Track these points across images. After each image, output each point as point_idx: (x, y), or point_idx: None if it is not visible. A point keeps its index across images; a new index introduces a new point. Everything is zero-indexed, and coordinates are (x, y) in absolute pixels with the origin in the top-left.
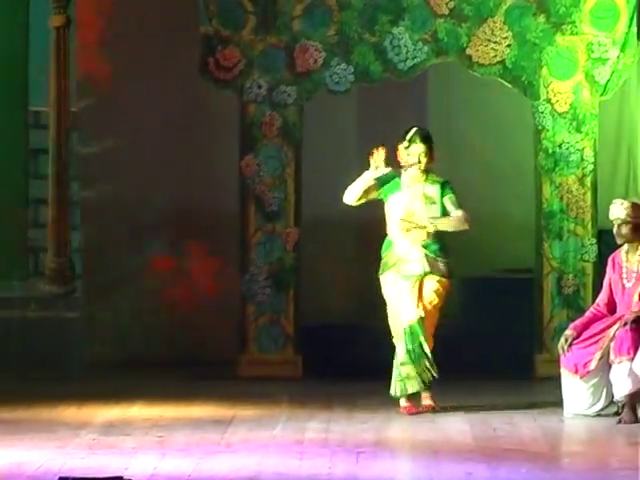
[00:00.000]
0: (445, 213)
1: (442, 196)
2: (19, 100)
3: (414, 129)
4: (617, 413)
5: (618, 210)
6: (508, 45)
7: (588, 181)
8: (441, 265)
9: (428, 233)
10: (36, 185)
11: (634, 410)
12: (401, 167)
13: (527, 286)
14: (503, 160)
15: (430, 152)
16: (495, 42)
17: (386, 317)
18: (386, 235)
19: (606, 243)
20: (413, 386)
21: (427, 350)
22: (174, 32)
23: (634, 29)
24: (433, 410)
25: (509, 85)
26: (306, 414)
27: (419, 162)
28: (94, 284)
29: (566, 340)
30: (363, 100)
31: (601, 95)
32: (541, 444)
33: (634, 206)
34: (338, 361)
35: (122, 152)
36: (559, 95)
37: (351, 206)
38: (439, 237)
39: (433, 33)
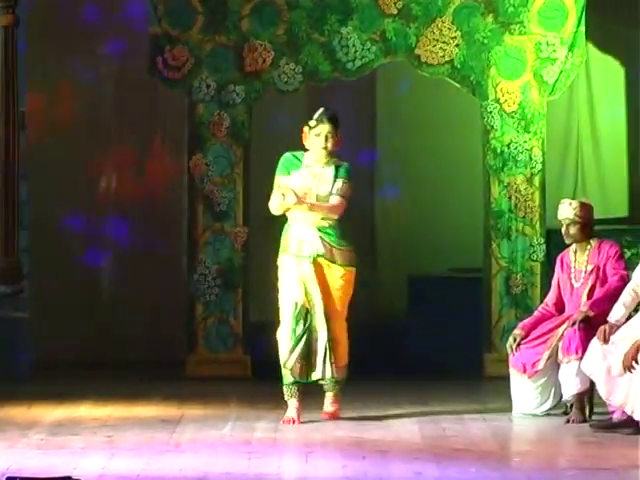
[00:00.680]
0: None
1: (335, 178)
2: None
3: (321, 109)
4: (565, 412)
5: (566, 210)
6: (456, 45)
7: (536, 181)
8: (345, 253)
9: (323, 218)
10: None
11: (582, 410)
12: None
13: (476, 286)
14: (452, 160)
15: (336, 134)
16: (443, 42)
17: None
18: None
19: (554, 243)
20: (292, 374)
21: (324, 342)
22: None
23: (582, 29)
24: (332, 417)
25: (458, 85)
26: (255, 414)
27: (325, 141)
28: (42, 284)
29: (514, 340)
30: (312, 100)
31: (549, 95)
32: (490, 443)
33: (582, 206)
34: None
35: (72, 150)
36: (507, 95)
37: None
38: (336, 223)
39: (382, 33)
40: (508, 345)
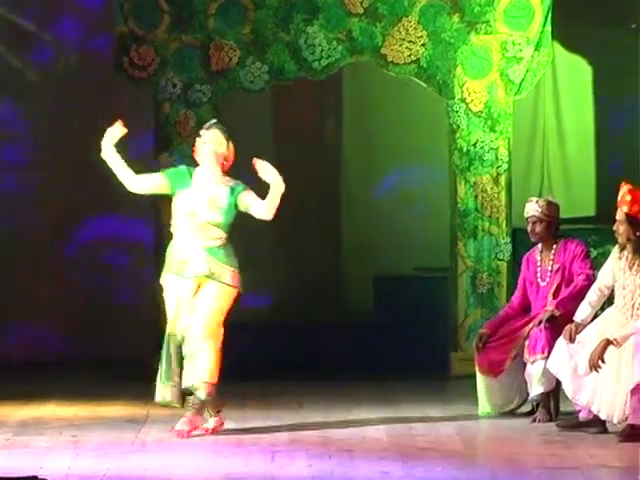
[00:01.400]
0: (233, 216)
1: (235, 196)
2: None
3: (213, 120)
4: (531, 412)
5: (533, 207)
6: (423, 44)
7: (502, 180)
8: (227, 273)
9: (214, 238)
10: None
11: (548, 409)
12: (197, 165)
13: (442, 285)
14: (418, 159)
15: (227, 149)
16: (410, 41)
17: (301, 315)
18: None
19: (521, 242)
20: (164, 395)
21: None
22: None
23: (548, 28)
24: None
25: (424, 84)
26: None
27: (215, 153)
28: (5, 283)
29: (480, 339)
30: (278, 99)
31: (515, 94)
32: (456, 443)
33: (549, 204)
34: (252, 360)
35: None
36: (474, 94)
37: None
38: (224, 243)
39: (348, 32)
40: (474, 344)
